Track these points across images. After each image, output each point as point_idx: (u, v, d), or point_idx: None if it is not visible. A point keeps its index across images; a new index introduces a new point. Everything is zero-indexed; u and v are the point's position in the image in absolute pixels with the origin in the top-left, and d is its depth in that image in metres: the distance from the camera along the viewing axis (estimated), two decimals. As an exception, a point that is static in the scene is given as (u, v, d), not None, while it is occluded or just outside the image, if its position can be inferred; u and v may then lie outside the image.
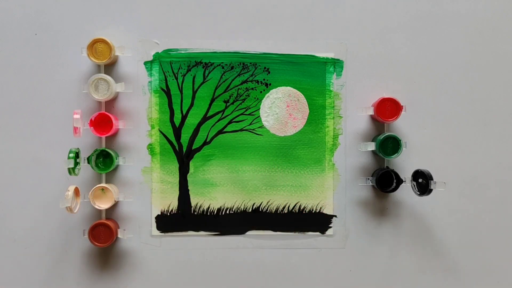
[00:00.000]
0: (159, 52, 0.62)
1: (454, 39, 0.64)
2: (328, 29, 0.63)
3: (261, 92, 0.63)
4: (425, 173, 0.58)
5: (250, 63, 0.62)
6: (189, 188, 0.63)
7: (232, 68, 0.62)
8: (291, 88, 0.63)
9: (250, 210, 0.63)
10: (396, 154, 0.59)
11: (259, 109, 0.63)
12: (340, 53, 0.63)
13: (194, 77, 0.62)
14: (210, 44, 0.62)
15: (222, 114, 0.63)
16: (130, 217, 0.62)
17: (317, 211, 0.63)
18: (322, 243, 0.63)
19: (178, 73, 0.62)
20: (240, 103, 0.63)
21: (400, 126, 0.63)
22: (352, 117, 0.63)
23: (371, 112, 0.60)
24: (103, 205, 0.59)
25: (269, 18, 0.63)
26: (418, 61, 0.63)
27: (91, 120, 0.58)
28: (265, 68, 0.63)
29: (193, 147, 0.63)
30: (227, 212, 0.63)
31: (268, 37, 0.62)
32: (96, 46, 0.58)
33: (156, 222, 0.62)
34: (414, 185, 0.60)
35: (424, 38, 0.63)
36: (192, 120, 0.62)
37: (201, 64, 0.62)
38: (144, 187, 0.62)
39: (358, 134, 0.63)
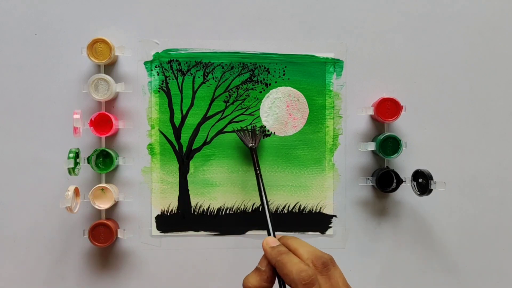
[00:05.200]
0: (159, 52, 0.62)
1: (454, 39, 0.64)
2: (328, 29, 0.63)
3: (261, 92, 0.63)
4: (425, 173, 0.58)
5: (250, 63, 0.62)
6: (189, 188, 0.63)
7: (232, 68, 0.62)
8: (291, 88, 0.63)
9: (250, 210, 0.63)
10: (396, 154, 0.59)
11: (259, 109, 0.63)
12: (340, 53, 0.63)
13: (194, 77, 0.62)
14: (210, 44, 0.62)
15: (222, 114, 0.63)
16: (130, 217, 0.62)
17: (317, 211, 0.63)
18: (322, 243, 0.63)
19: (178, 73, 0.62)
20: (240, 103, 0.63)
21: (400, 126, 0.63)
22: (352, 117, 0.63)
23: (371, 112, 0.60)
24: (103, 205, 0.59)
25: (269, 18, 0.63)
26: (418, 61, 0.63)
27: (91, 120, 0.58)
28: (265, 68, 0.63)
29: (193, 147, 0.63)
30: (227, 212, 0.63)
31: (268, 37, 0.63)
32: (96, 46, 0.58)
33: (156, 222, 0.62)
34: (414, 185, 0.60)
35: (424, 38, 0.63)
36: (192, 120, 0.62)
37: (201, 64, 0.62)
38: (144, 187, 0.62)
39: (358, 134, 0.63)
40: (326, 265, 0.44)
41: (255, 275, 0.46)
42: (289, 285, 0.42)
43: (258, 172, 0.57)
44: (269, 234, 0.52)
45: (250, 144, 0.60)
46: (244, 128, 0.62)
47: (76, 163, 0.57)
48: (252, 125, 0.62)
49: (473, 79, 0.64)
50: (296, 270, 0.42)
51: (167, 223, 0.62)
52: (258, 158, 0.59)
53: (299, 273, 0.42)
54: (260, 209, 0.62)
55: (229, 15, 0.62)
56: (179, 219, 0.63)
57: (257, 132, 0.62)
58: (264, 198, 0.54)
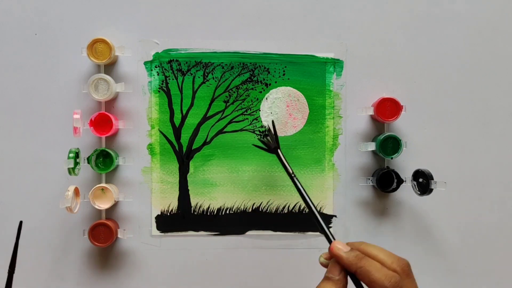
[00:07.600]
0: (159, 52, 0.62)
1: (454, 39, 0.64)
2: (328, 29, 0.63)
3: (261, 92, 0.63)
4: (426, 173, 0.58)
5: (250, 63, 0.62)
6: (189, 188, 0.63)
7: (232, 68, 0.62)
8: (291, 88, 0.63)
9: (250, 210, 0.63)
10: (396, 154, 0.59)
11: (259, 109, 0.63)
12: (340, 53, 0.63)
13: (194, 77, 0.62)
14: (210, 44, 0.62)
15: (222, 114, 0.63)
16: (130, 217, 0.62)
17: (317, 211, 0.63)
18: (322, 243, 0.63)
19: (178, 73, 0.62)
20: (240, 103, 0.63)
21: (400, 126, 0.63)
22: (352, 117, 0.63)
23: (371, 112, 0.60)
24: (103, 205, 0.59)
25: (269, 18, 0.63)
26: (418, 61, 0.63)
27: (91, 120, 0.58)
28: (265, 68, 0.63)
29: (193, 147, 0.63)
30: (227, 212, 0.63)
31: (268, 37, 0.63)
32: (96, 46, 0.58)
33: (156, 222, 0.62)
34: (415, 185, 0.60)
35: (424, 38, 0.63)
36: (192, 120, 0.62)
37: (201, 64, 0.62)
38: (144, 187, 0.62)
39: (358, 134, 0.63)
40: (408, 270, 0.43)
41: (330, 286, 0.42)
42: None
43: (292, 174, 0.53)
44: (327, 238, 0.47)
45: (274, 146, 0.57)
46: (262, 134, 0.61)
47: (76, 163, 0.57)
48: (262, 127, 0.62)
49: (473, 79, 0.64)
50: (384, 277, 0.40)
51: (167, 223, 0.62)
52: (285, 157, 0.55)
53: (389, 280, 0.40)
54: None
55: (229, 15, 0.62)
56: (179, 219, 0.63)
57: (268, 130, 0.59)
58: (309, 200, 0.50)
